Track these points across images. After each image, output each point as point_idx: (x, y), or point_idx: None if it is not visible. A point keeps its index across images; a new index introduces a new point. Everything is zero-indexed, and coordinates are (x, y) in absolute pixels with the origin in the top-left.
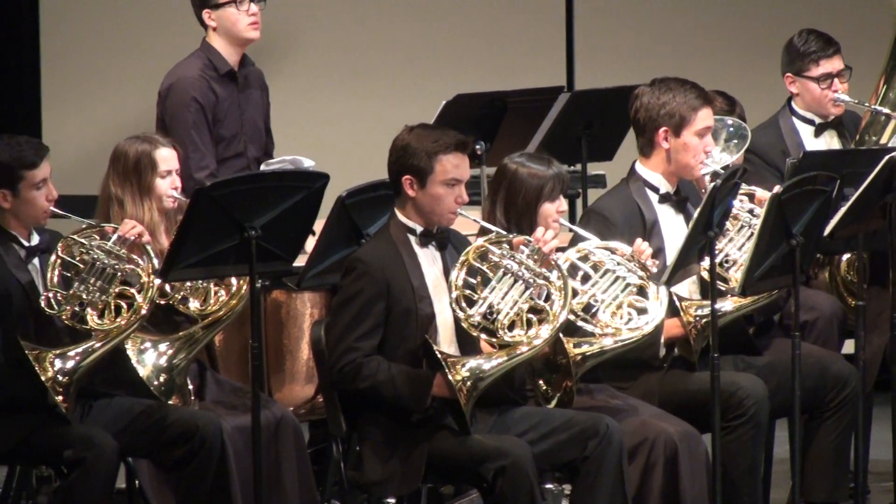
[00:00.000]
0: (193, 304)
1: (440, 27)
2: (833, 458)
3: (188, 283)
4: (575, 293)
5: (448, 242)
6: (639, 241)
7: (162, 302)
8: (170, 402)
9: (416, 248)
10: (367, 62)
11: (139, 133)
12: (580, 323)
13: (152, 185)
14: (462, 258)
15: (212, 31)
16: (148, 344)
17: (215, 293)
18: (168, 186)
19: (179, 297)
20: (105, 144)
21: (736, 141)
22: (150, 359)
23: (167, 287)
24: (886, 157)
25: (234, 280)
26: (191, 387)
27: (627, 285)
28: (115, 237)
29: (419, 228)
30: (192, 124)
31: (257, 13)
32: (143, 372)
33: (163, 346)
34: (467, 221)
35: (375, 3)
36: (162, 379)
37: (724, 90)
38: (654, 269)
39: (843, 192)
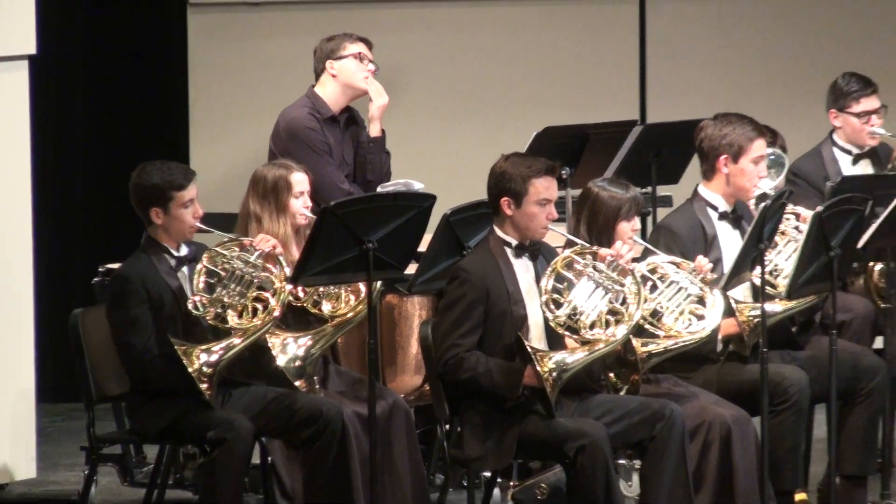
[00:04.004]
0: (327, 307)
1: (531, 69)
2: (863, 437)
3: (321, 288)
4: (645, 300)
5: (539, 253)
6: (700, 258)
7: (297, 304)
8: (297, 385)
9: (512, 258)
10: (469, 100)
11: (275, 160)
12: (648, 326)
13: (287, 204)
14: (551, 267)
15: (325, 79)
16: (290, 339)
17: (346, 297)
18: (301, 206)
19: (312, 300)
20: (244, 169)
21: (775, 169)
22: (291, 350)
23: (300, 292)
24: None
25: (362, 286)
26: (316, 377)
27: (689, 295)
28: (256, 254)
29: (514, 242)
30: (320, 145)
31: (373, 70)
32: (283, 360)
33: (303, 340)
34: (556, 235)
35: (477, 50)
36: (297, 365)
37: (773, 124)
38: (708, 269)
39: (875, 210)
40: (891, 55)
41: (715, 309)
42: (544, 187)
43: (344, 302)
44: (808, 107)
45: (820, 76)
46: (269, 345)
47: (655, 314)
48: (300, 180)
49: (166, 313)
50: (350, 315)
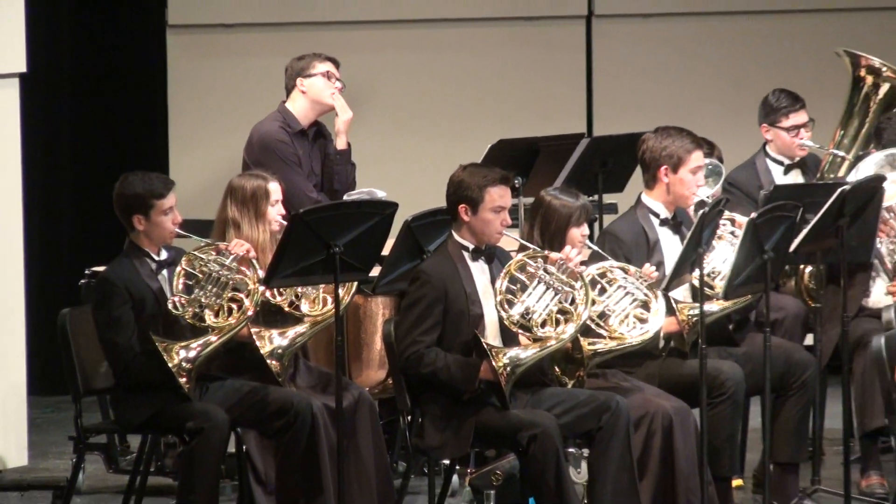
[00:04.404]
0: (305, 306)
1: (486, 86)
2: (795, 427)
3: (300, 289)
4: (593, 302)
5: (494, 257)
6: (647, 265)
7: (274, 303)
8: (276, 370)
9: (469, 261)
10: (428, 115)
11: (251, 171)
12: (594, 327)
13: (265, 212)
14: (505, 269)
15: (296, 96)
16: (275, 333)
17: (322, 298)
18: (276, 213)
19: (289, 300)
20: (220, 179)
21: (712, 178)
22: (276, 341)
23: (278, 293)
24: (839, 190)
25: (340, 289)
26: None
27: (634, 300)
28: (231, 257)
29: (471, 246)
30: (292, 156)
31: (339, 88)
32: (267, 349)
33: (291, 333)
34: (509, 240)
35: (435, 68)
36: (278, 353)
37: (710, 137)
38: (656, 278)
39: (805, 217)
40: (816, 74)
41: (657, 314)
42: (499, 195)
43: (321, 302)
44: (742, 121)
45: (752, 93)
46: (256, 339)
47: (602, 316)
48: (276, 189)
49: (148, 313)
50: (327, 314)
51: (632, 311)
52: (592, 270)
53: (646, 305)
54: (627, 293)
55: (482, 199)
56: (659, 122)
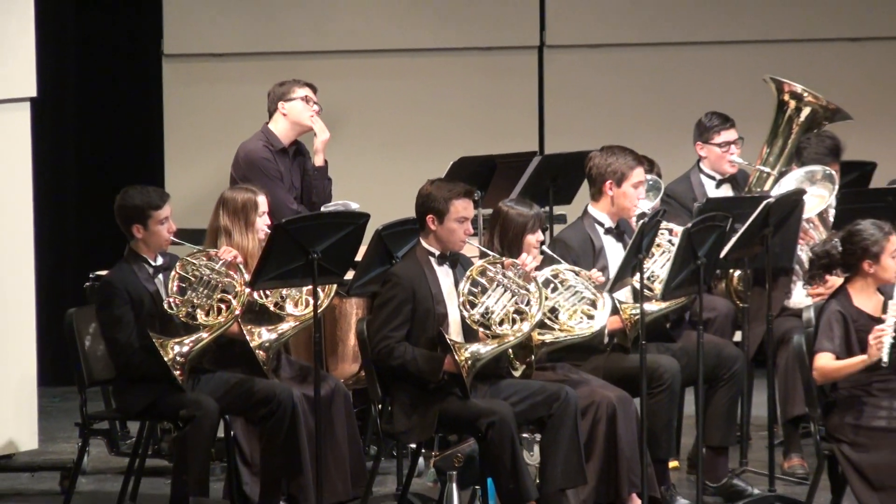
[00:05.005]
0: (290, 307)
1: (448, 108)
2: (725, 414)
3: (284, 291)
4: (546, 298)
5: (458, 262)
6: (594, 270)
7: (261, 302)
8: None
9: (435, 266)
10: (397, 134)
11: (240, 185)
12: (547, 321)
13: (254, 222)
14: (468, 274)
15: (278, 118)
16: (264, 329)
17: (306, 300)
18: (263, 223)
19: (275, 301)
20: (210, 192)
21: (652, 192)
22: (264, 336)
23: (264, 294)
24: (764, 203)
25: (319, 291)
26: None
27: (583, 297)
28: (220, 262)
29: (437, 252)
30: (275, 172)
31: (317, 110)
32: (255, 342)
33: (278, 329)
34: (471, 247)
35: (403, 93)
36: (266, 346)
37: (650, 155)
38: (602, 281)
39: (735, 226)
40: (745, 98)
41: (603, 311)
42: (463, 207)
43: (304, 303)
44: (678, 141)
45: (688, 115)
46: (247, 334)
47: (554, 311)
48: (263, 202)
49: (145, 312)
50: (308, 314)
51: (580, 308)
52: (546, 272)
53: (593, 303)
54: (577, 292)
55: (448, 211)
56: (604, 142)
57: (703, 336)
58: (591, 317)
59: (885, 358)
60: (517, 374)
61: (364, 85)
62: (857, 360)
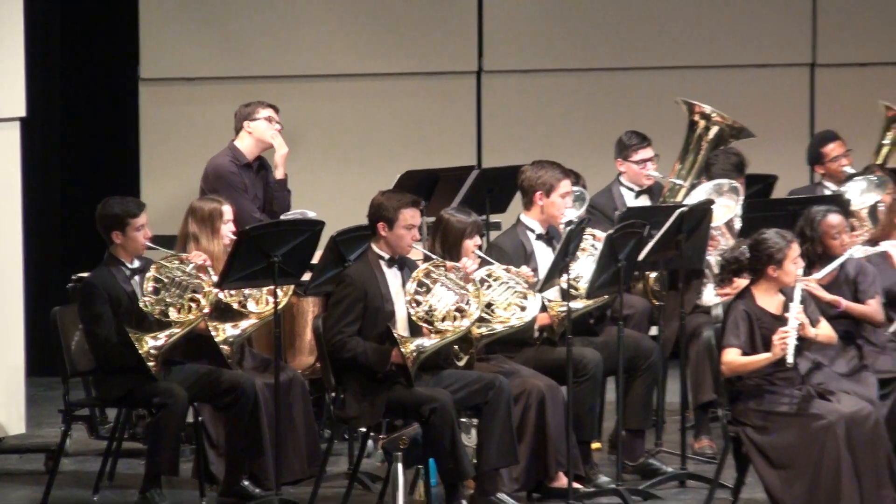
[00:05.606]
0: (252, 305)
1: (396, 126)
2: (642, 401)
3: (247, 291)
4: (483, 296)
5: (405, 265)
6: (524, 267)
7: (226, 301)
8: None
9: (385, 268)
10: (350, 150)
11: (207, 196)
12: (484, 315)
13: (219, 229)
14: (414, 275)
15: (243, 135)
16: (228, 326)
17: (266, 298)
18: (228, 230)
19: (238, 300)
20: (182, 202)
21: (578, 202)
22: (228, 331)
23: (229, 294)
24: (677, 212)
25: (279, 291)
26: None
27: (515, 292)
28: (191, 265)
29: (387, 256)
30: (240, 185)
31: (279, 129)
32: (220, 337)
33: (241, 325)
34: (417, 252)
35: (356, 113)
36: (230, 341)
37: (576, 168)
38: (531, 277)
39: (651, 232)
40: (660, 118)
41: (533, 303)
42: (410, 216)
43: (264, 302)
44: (601, 156)
45: (610, 133)
46: (213, 330)
47: (490, 306)
48: (228, 211)
49: (123, 310)
50: (269, 311)
51: (513, 301)
52: (482, 272)
53: (525, 297)
54: (509, 287)
55: (397, 219)
56: (536, 157)
57: (623, 331)
58: (523, 308)
59: (790, 358)
60: (461, 364)
61: (321, 106)
62: (763, 358)
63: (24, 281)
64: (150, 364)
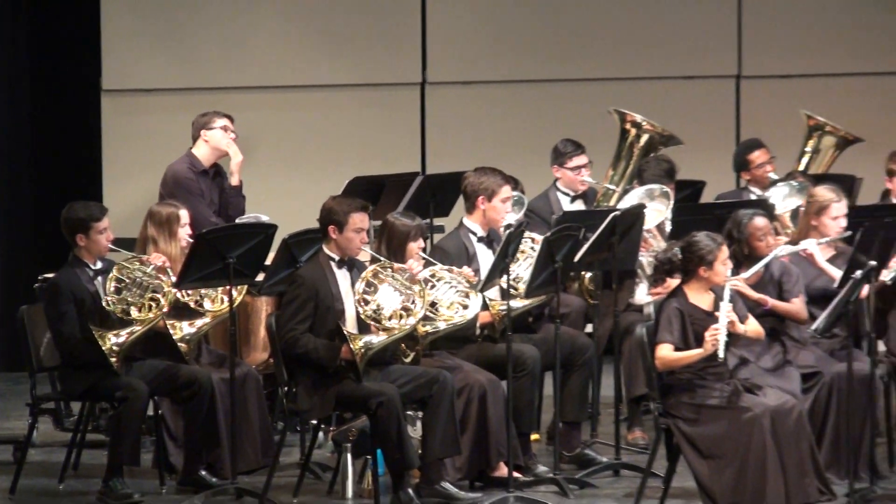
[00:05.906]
0: (208, 304)
1: (343, 135)
2: (579, 395)
3: (203, 291)
4: (427, 296)
5: (354, 266)
6: (466, 268)
7: (183, 301)
8: (184, 350)
9: (335, 269)
10: (300, 158)
11: (165, 201)
12: (428, 314)
13: (177, 232)
14: (362, 276)
15: (200, 143)
16: (185, 324)
17: (221, 298)
18: (185, 233)
19: (195, 299)
20: (142, 207)
21: (517, 206)
22: (185, 329)
23: (186, 294)
24: (611, 216)
25: (234, 290)
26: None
27: (458, 291)
28: (151, 267)
29: (337, 257)
30: (197, 190)
31: (234, 138)
32: (178, 335)
33: (197, 323)
34: (365, 254)
35: (306, 123)
36: (187, 339)
37: (516, 175)
38: (472, 277)
39: (586, 235)
40: (594, 127)
41: (475, 302)
42: (360, 219)
43: (219, 301)
44: (539, 163)
45: (547, 142)
46: (170, 328)
47: (434, 305)
48: (185, 215)
49: (86, 309)
50: (224, 310)
51: (456, 300)
52: (426, 273)
53: (467, 295)
54: (452, 287)
55: (347, 222)
56: (477, 164)
57: (560, 328)
58: (465, 307)
59: (721, 354)
60: (408, 360)
61: (274, 116)
62: (695, 353)
63: None
64: (113, 360)
